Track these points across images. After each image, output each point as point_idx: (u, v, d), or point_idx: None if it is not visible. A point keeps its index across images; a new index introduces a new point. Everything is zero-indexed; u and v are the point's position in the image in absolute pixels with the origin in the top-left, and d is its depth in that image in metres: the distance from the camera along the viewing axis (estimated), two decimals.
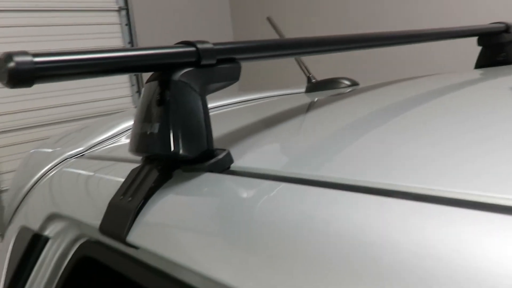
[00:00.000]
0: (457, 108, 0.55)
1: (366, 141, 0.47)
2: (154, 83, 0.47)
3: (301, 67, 1.02)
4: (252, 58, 0.54)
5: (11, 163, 3.38)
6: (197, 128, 0.44)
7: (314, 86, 0.99)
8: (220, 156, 0.45)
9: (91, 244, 0.60)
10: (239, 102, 0.89)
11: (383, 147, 0.43)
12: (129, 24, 3.76)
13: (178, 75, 0.45)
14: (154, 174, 0.46)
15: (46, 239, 0.67)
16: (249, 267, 0.33)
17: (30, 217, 0.73)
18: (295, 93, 1.03)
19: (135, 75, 3.83)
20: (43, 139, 3.32)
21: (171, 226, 0.42)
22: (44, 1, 3.39)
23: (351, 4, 3.42)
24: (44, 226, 0.68)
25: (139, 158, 0.61)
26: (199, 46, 0.46)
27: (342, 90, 0.91)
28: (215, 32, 4.33)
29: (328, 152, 0.45)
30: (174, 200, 0.44)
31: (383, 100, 0.72)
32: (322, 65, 1.20)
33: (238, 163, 0.46)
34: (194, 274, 0.39)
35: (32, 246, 0.68)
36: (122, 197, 0.47)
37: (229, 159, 0.46)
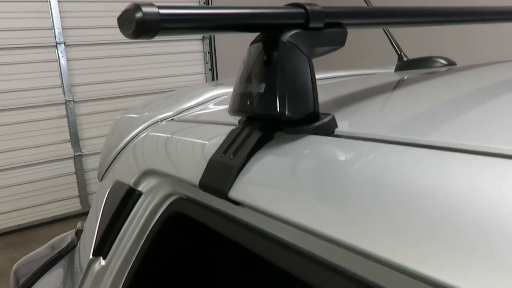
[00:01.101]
0: None
1: (465, 112, 0.46)
2: (259, 45, 0.48)
3: (392, 45, 0.98)
4: (360, 25, 0.52)
5: (91, 130, 3.61)
6: (304, 90, 0.44)
7: (405, 64, 0.95)
8: (326, 120, 0.45)
9: (182, 200, 0.63)
10: (327, 78, 0.87)
11: (482, 118, 0.42)
12: (211, 52, 3.88)
13: (287, 36, 0.45)
14: (256, 134, 0.47)
15: (139, 194, 0.71)
16: (349, 219, 0.34)
17: (125, 173, 0.78)
18: (384, 72, 0.99)
19: (209, 52, 3.92)
20: (120, 110, 3.52)
21: (273, 184, 0.43)
22: None
23: None
24: (138, 181, 0.72)
25: (232, 121, 0.63)
26: (309, 8, 0.46)
27: (437, 69, 0.87)
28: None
29: (429, 118, 0.44)
30: (277, 160, 0.44)
31: (484, 79, 0.68)
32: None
33: (341, 128, 0.45)
34: (291, 231, 0.39)
35: (126, 199, 0.72)
36: (223, 154, 0.49)
37: (333, 123, 0.45)
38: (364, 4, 1.03)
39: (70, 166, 3.60)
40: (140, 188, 0.71)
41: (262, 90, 0.45)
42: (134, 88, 3.72)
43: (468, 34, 2.96)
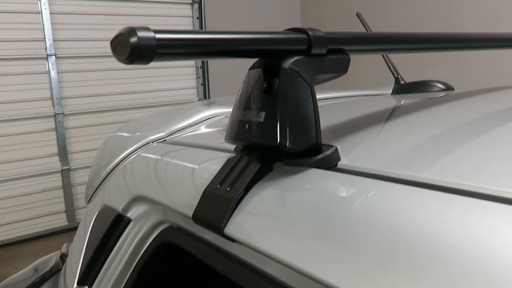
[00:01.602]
0: None
1: (469, 148, 0.44)
2: (259, 70, 0.45)
3: (389, 67, 0.97)
4: (362, 51, 0.50)
5: (80, 143, 3.56)
6: (306, 120, 0.42)
7: (402, 87, 0.93)
8: (328, 152, 0.42)
9: (173, 230, 0.59)
10: (323, 99, 0.85)
11: (485, 155, 0.41)
12: (200, 17, 3.82)
13: (289, 62, 0.42)
14: (255, 166, 0.44)
15: (128, 221, 0.68)
16: (350, 266, 0.32)
17: (114, 197, 0.74)
18: (380, 94, 0.97)
19: (201, 67, 3.90)
20: (110, 124, 3.47)
21: (272, 222, 0.40)
22: None
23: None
24: (127, 207, 0.68)
25: (227, 146, 0.60)
26: (311, 33, 0.44)
27: (435, 94, 0.85)
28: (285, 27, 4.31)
29: (429, 154, 0.42)
30: (276, 194, 0.41)
31: (484, 107, 0.66)
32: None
33: (344, 161, 0.43)
34: (287, 272, 0.37)
35: (114, 226, 0.69)
36: (219, 186, 0.46)
37: (336, 156, 0.43)
38: (363, 29, 1.02)
39: (57, 180, 3.53)
40: (129, 215, 0.68)
41: (261, 119, 0.42)
42: (125, 101, 3.68)
43: (458, 58, 2.98)
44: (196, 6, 3.82)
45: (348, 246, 0.33)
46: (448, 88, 0.88)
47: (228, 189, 0.44)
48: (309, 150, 0.42)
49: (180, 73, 3.86)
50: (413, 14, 3.38)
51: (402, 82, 0.95)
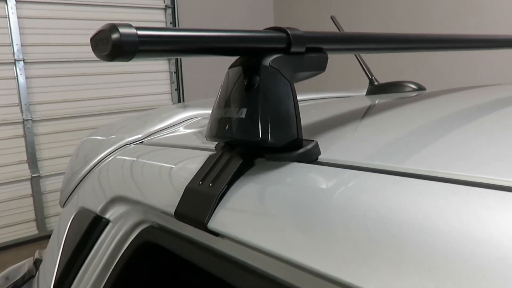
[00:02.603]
0: None
1: (441, 140, 0.46)
2: (239, 69, 0.46)
3: (363, 69, 0.99)
4: (339, 50, 0.52)
5: (50, 150, 3.47)
6: (286, 115, 0.43)
7: (376, 88, 0.96)
8: (309, 147, 0.43)
9: (154, 229, 0.59)
10: (300, 101, 0.87)
11: (455, 146, 0.43)
12: (173, 23, 3.81)
13: (269, 60, 0.43)
14: (236, 161, 0.45)
15: (107, 222, 0.67)
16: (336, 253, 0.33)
17: (91, 199, 0.73)
18: (354, 95, 1.00)
19: (175, 72, 3.88)
20: (81, 130, 3.39)
21: (255, 215, 0.41)
22: None
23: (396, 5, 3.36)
24: (105, 208, 0.68)
25: (205, 146, 0.61)
26: (290, 32, 0.45)
27: (407, 94, 0.88)
28: None
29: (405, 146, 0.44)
30: (259, 189, 0.42)
31: (453, 105, 0.69)
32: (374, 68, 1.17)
33: (324, 155, 0.44)
34: (272, 263, 0.38)
35: (92, 227, 0.68)
36: (201, 182, 0.46)
37: (317, 150, 0.44)
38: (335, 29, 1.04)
39: (26, 188, 3.43)
40: (107, 216, 0.67)
41: (243, 116, 0.43)
42: (97, 107, 3.62)
43: (427, 59, 3.08)
44: (169, 11, 3.80)
45: (329, 234, 0.34)
46: (420, 88, 0.91)
47: (210, 184, 0.45)
48: (290, 145, 0.43)
49: (154, 78, 3.83)
50: (383, 16, 3.47)
51: (376, 83, 0.97)
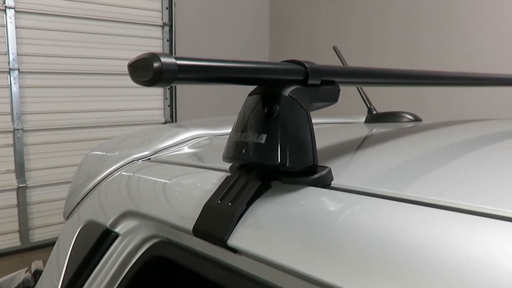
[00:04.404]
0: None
1: (442, 169, 0.51)
2: (257, 97, 0.49)
3: (363, 98, 1.04)
4: (351, 83, 0.56)
5: (39, 161, 3.45)
6: (304, 142, 0.46)
7: (374, 117, 1.00)
8: (323, 172, 0.47)
9: (165, 244, 0.62)
10: None
11: (455, 175, 0.48)
12: (170, 40, 3.86)
13: (288, 91, 0.47)
14: (255, 183, 0.48)
15: (116, 236, 0.69)
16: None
17: (100, 213, 0.75)
18: (354, 122, 1.04)
19: (169, 88, 3.91)
20: (72, 141, 3.36)
21: (273, 233, 0.44)
22: (94, 10, 3.52)
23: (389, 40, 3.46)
24: (115, 222, 0.70)
25: (215, 165, 0.64)
26: (308, 65, 0.49)
27: (403, 125, 0.93)
28: (252, 53, 4.41)
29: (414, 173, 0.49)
30: (277, 209, 0.45)
31: (451, 136, 0.74)
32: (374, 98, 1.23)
33: (336, 180, 0.47)
34: (286, 279, 0.42)
35: (102, 240, 0.70)
36: (219, 201, 0.49)
37: (330, 176, 0.47)
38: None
39: (12, 198, 3.39)
40: (117, 230, 0.69)
41: (263, 141, 0.46)
42: (89, 120, 3.62)
43: (419, 91, 3.17)
44: (166, 28, 3.86)
45: (338, 252, 0.38)
46: (417, 119, 0.96)
47: (229, 204, 0.48)
48: (306, 170, 0.46)
49: (148, 93, 3.85)
50: (373, 45, 3.57)
51: (374, 112, 1.02)
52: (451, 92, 2.99)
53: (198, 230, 0.49)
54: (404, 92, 3.17)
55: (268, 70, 0.47)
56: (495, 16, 2.84)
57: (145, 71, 0.39)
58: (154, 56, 0.38)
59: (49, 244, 3.34)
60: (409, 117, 0.95)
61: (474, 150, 0.61)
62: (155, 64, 0.38)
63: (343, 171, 0.51)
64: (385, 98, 2.52)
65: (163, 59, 0.38)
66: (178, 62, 0.39)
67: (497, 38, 2.83)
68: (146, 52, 0.40)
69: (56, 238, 0.91)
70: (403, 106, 1.23)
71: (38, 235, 3.51)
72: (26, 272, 1.11)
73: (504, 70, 1.65)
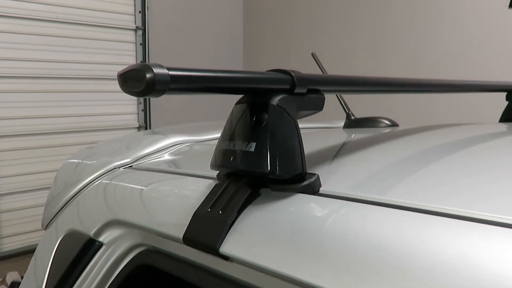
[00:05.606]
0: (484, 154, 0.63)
1: (425, 173, 0.53)
2: (244, 105, 0.50)
3: (341, 104, 1.07)
4: (335, 91, 0.57)
5: (10, 167, 3.35)
6: (293, 151, 0.47)
7: (353, 122, 1.03)
8: (312, 180, 0.48)
9: (151, 253, 0.61)
10: None
11: (440, 179, 0.50)
12: (143, 43, 3.82)
13: (276, 100, 0.48)
14: (245, 191, 0.49)
15: (100, 245, 0.68)
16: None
17: (82, 222, 0.74)
18: (332, 127, 1.06)
19: None
20: (43, 147, 3.27)
21: (265, 239, 0.44)
22: (66, 13, 3.45)
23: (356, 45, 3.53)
24: (99, 231, 0.69)
25: (198, 172, 0.64)
26: (294, 74, 0.50)
27: (381, 129, 0.95)
28: (226, 57, 4.42)
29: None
30: (267, 216, 0.46)
31: (427, 140, 0.77)
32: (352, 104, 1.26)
33: (324, 187, 0.49)
34: (277, 283, 0.43)
35: (85, 250, 0.69)
36: (209, 209, 0.49)
37: (318, 183, 0.48)
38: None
39: None
40: (101, 239, 0.69)
41: (252, 149, 0.47)
42: (61, 125, 3.53)
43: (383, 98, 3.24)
44: (139, 32, 3.82)
45: (329, 257, 0.39)
46: (393, 124, 0.99)
47: (220, 212, 0.48)
48: (295, 178, 0.47)
49: (120, 98, 3.79)
50: (345, 52, 3.63)
51: (352, 117, 1.04)
52: (417, 97, 3.07)
53: (188, 238, 0.50)
54: (372, 97, 3.23)
55: (258, 79, 0.48)
56: (460, 25, 2.95)
57: (137, 81, 0.39)
58: (146, 67, 0.38)
59: (20, 254, 3.24)
60: (387, 122, 0.98)
61: (454, 153, 0.64)
62: (148, 75, 0.38)
63: (330, 178, 0.52)
64: (354, 102, 2.58)
65: (156, 70, 0.38)
66: (171, 72, 0.39)
67: (463, 48, 2.93)
68: (138, 63, 0.40)
69: (28, 247, 0.89)
70: (373, 111, 1.26)
71: (8, 244, 3.40)
72: (1, 284, 1.08)
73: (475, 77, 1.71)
